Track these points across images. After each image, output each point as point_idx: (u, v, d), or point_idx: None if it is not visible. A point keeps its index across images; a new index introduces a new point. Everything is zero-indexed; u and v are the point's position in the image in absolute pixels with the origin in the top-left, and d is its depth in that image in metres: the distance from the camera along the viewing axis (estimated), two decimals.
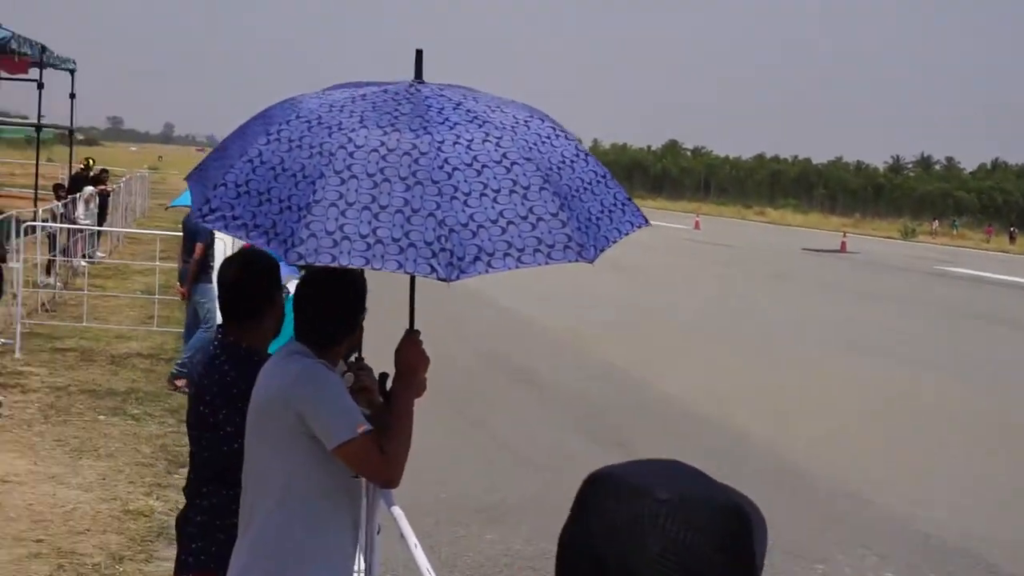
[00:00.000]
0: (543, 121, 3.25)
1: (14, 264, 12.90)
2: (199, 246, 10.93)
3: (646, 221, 3.31)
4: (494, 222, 2.80)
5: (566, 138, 3.23)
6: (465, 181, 2.84)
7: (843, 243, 50.37)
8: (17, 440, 8.94)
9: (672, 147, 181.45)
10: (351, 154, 2.86)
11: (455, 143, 2.93)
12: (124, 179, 32.22)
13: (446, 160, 2.87)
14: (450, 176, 2.83)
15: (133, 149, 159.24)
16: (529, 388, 13.16)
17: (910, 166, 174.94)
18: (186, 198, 4.91)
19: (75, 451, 8.76)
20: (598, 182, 3.18)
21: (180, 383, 10.60)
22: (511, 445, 10.25)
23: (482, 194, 2.83)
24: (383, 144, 2.88)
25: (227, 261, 3.80)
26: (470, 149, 2.92)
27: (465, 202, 2.80)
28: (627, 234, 3.20)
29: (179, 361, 11.25)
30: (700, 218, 68.40)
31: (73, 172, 25.70)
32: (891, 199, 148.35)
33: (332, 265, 2.76)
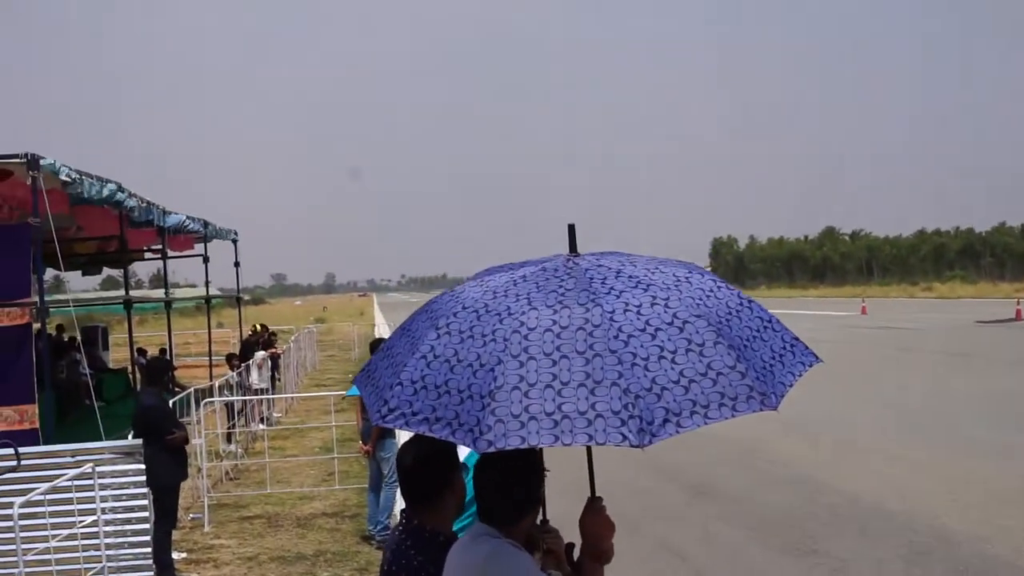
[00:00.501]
0: (703, 276, 3.27)
1: (196, 440, 13.29)
2: None
3: (817, 358, 3.29)
4: (676, 383, 2.81)
5: (727, 289, 3.25)
6: (642, 347, 2.86)
7: (1018, 311, 48.56)
8: None
9: (829, 234, 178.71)
10: (525, 336, 2.90)
11: (625, 311, 2.96)
12: (293, 338, 33.11)
13: (620, 329, 2.90)
14: (626, 344, 2.86)
15: (298, 303, 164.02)
16: (710, 502, 12.90)
17: None
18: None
19: None
20: (765, 328, 3.19)
21: None
22: (700, 566, 9.99)
23: (660, 357, 2.85)
24: (555, 323, 2.92)
25: (404, 446, 3.81)
26: (640, 314, 2.96)
27: (645, 367, 2.82)
28: (801, 375, 3.19)
29: (379, 526, 11.39)
30: (866, 302, 66.88)
31: (244, 338, 26.57)
32: None
33: (522, 447, 2.75)
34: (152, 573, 8.60)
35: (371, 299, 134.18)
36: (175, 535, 10.70)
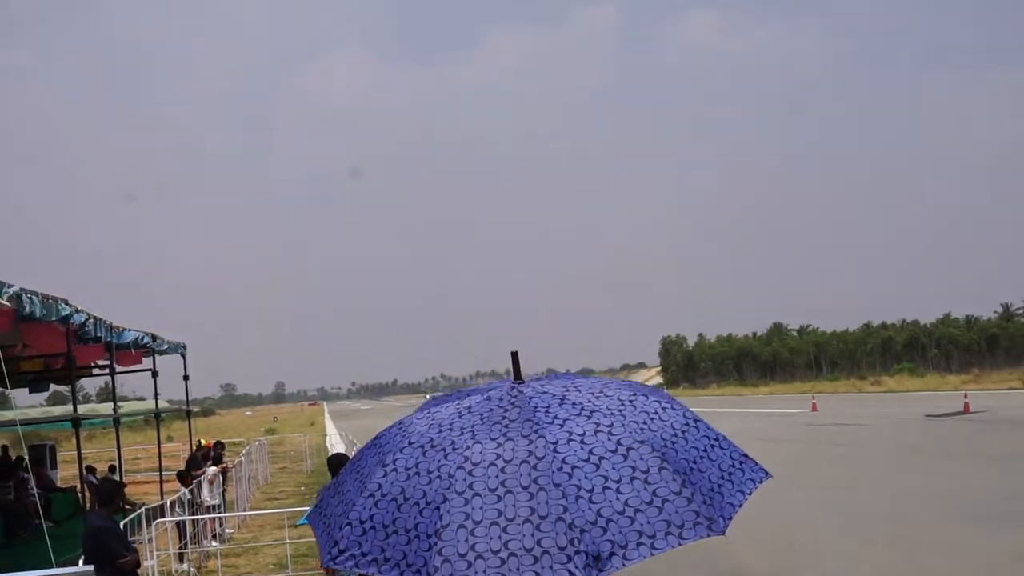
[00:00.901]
0: (647, 397, 3.31)
1: (148, 561, 13.08)
2: None
3: (767, 474, 3.33)
4: (621, 513, 2.82)
5: (672, 408, 3.28)
6: (586, 477, 2.89)
7: (966, 404, 49.02)
8: None
9: (777, 330, 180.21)
10: (470, 472, 2.92)
11: (569, 440, 2.99)
12: (244, 451, 32.75)
13: (564, 460, 2.93)
14: (570, 476, 2.88)
15: (248, 413, 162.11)
16: None
17: (1021, 312, 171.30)
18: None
19: None
20: (712, 446, 3.23)
21: None
22: None
23: (605, 487, 2.87)
24: (499, 456, 2.95)
25: None
26: (584, 443, 2.99)
27: (590, 499, 2.84)
28: (750, 493, 3.21)
29: None
30: (816, 398, 67.23)
31: (188, 455, 26.28)
32: (1007, 348, 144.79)
33: None
34: None
35: (322, 407, 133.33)
36: None
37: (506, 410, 3.16)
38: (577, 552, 2.73)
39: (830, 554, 15.68)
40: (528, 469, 2.89)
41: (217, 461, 24.10)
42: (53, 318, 16.99)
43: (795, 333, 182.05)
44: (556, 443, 2.97)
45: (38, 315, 16.12)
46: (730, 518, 3.02)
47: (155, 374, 27.36)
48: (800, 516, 19.57)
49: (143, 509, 15.04)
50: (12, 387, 25.08)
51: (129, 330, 23.06)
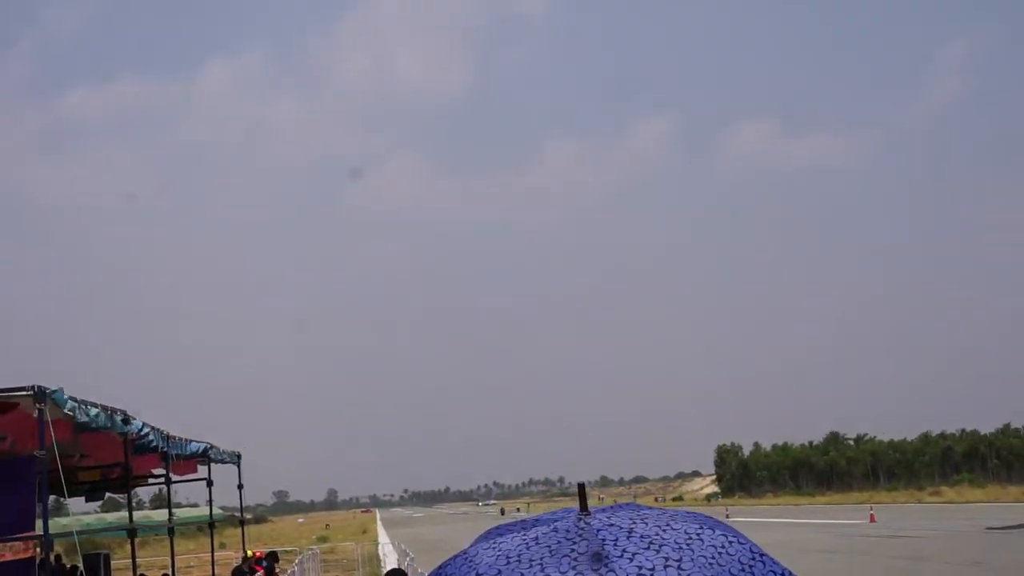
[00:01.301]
0: (714, 530, 3.33)
1: None
2: None
3: None
4: None
5: (739, 543, 3.31)
6: None
7: None
8: None
9: (834, 439, 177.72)
10: None
11: (639, 574, 3.03)
12: (297, 560, 32.71)
13: None
14: None
15: (300, 521, 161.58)
16: None
17: None
18: None
19: None
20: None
21: None
22: None
23: None
24: None
25: None
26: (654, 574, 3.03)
27: None
28: None
29: None
30: (874, 509, 66.09)
31: (235, 566, 26.28)
32: None
33: None
34: None
35: (374, 515, 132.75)
36: None
37: (574, 543, 3.19)
38: None
39: None
40: None
41: (270, 573, 24.10)
42: (112, 429, 17.26)
43: (852, 442, 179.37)
44: None
45: (97, 426, 16.39)
46: None
47: (210, 483, 27.56)
48: None
49: None
50: (69, 495, 25.34)
51: (185, 440, 23.35)
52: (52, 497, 18.26)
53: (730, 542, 3.30)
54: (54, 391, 14.56)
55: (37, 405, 14.13)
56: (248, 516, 34.62)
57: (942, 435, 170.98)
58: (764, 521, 62.13)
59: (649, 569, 3.05)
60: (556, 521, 3.40)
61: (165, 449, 21.63)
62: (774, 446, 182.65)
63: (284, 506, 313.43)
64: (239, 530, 35.33)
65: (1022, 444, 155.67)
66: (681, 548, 3.17)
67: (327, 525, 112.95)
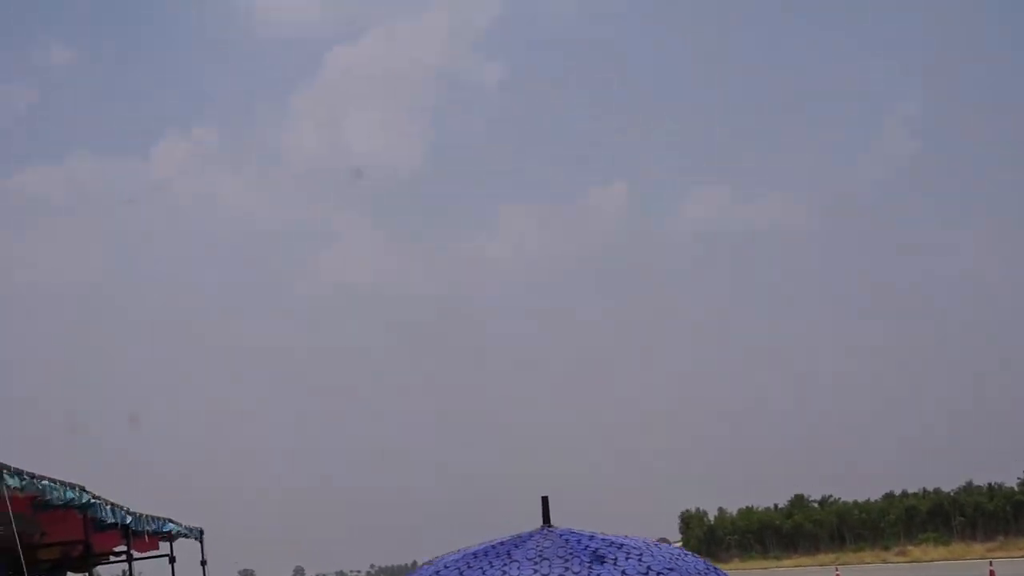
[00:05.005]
0: (669, 547, 3.55)
1: None
2: None
3: None
4: None
5: (694, 557, 3.52)
6: None
7: (991, 571, 48.28)
8: None
9: (799, 501, 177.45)
10: None
11: (603, 562, 3.22)
12: None
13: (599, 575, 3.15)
14: None
15: None
16: None
17: None
18: None
19: None
20: None
21: None
22: None
23: None
24: (536, 571, 3.17)
25: None
26: (616, 565, 3.22)
27: None
28: None
29: None
30: (840, 570, 66.16)
31: None
32: None
33: None
34: None
35: None
36: None
37: (538, 542, 3.36)
38: None
39: None
40: None
41: None
42: (71, 505, 17.20)
43: (816, 504, 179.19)
44: (591, 563, 3.20)
45: (56, 502, 16.33)
46: None
47: (172, 559, 27.28)
48: None
49: None
50: None
51: (147, 516, 23.21)
52: None
53: (686, 556, 3.51)
54: (11, 469, 14.52)
55: None
56: None
57: (905, 494, 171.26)
58: None
59: (612, 558, 3.26)
60: (522, 533, 3.55)
61: (126, 525, 21.49)
62: (739, 510, 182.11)
63: None
64: None
65: (985, 501, 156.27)
66: (641, 549, 3.38)
67: None
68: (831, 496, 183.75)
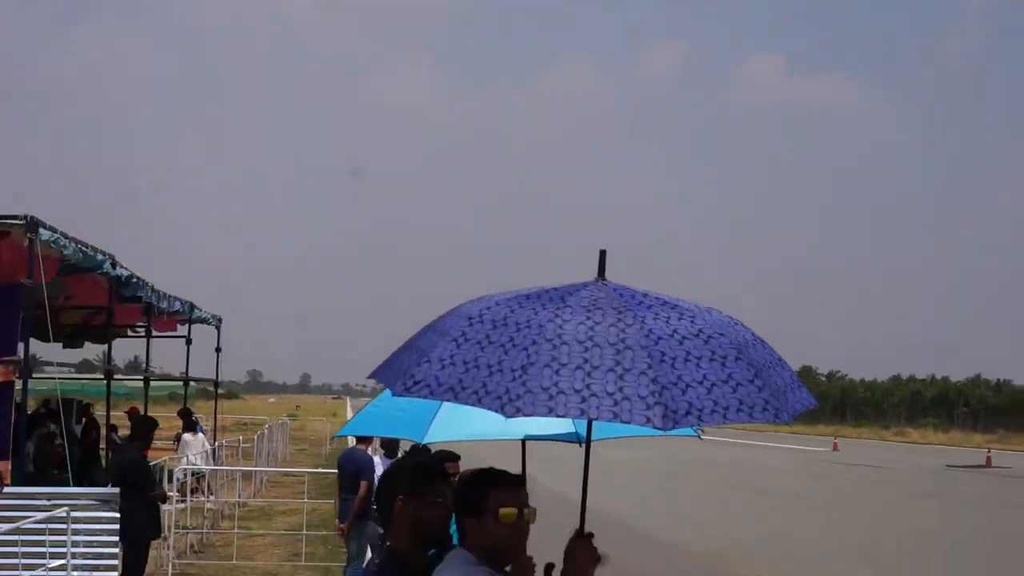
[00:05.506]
0: (720, 312, 3.49)
1: (166, 507, 13.29)
2: (364, 484, 11.25)
3: (816, 402, 3.51)
4: (700, 383, 3.01)
5: (743, 327, 3.47)
6: (670, 348, 3.07)
7: (988, 458, 48.83)
8: None
9: (806, 372, 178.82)
10: (560, 326, 3.07)
11: (655, 318, 3.17)
12: (266, 427, 33.10)
13: (650, 331, 3.11)
14: (656, 343, 3.06)
15: (271, 400, 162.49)
16: None
17: None
18: (351, 428, 5.23)
19: None
20: (777, 364, 3.40)
21: None
22: None
23: (686, 360, 3.05)
24: (589, 318, 3.11)
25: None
26: (668, 323, 3.17)
27: (672, 365, 3.02)
28: (806, 408, 3.38)
29: None
30: (839, 443, 66.97)
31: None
32: None
33: (549, 416, 2.91)
34: None
35: (344, 402, 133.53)
36: None
37: (592, 292, 3.28)
38: (658, 403, 2.89)
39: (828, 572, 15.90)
40: (616, 331, 3.05)
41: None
42: (97, 270, 17.33)
43: (824, 378, 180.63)
44: (644, 318, 3.15)
45: (85, 266, 16.46)
46: (795, 415, 3.20)
47: (189, 341, 27.65)
48: (812, 544, 19.67)
49: (165, 464, 15.37)
50: (54, 340, 25.40)
51: (169, 296, 23.43)
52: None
53: (735, 324, 3.44)
54: (46, 224, 14.59)
55: (28, 235, 14.15)
56: (221, 391, 34.73)
57: (912, 378, 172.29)
58: (730, 441, 62.85)
59: (664, 317, 3.19)
60: (574, 283, 3.48)
61: (148, 300, 21.71)
62: None
63: (257, 385, 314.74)
64: (209, 403, 35.53)
65: (991, 395, 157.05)
66: (693, 312, 3.30)
67: (297, 406, 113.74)
68: (839, 372, 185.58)
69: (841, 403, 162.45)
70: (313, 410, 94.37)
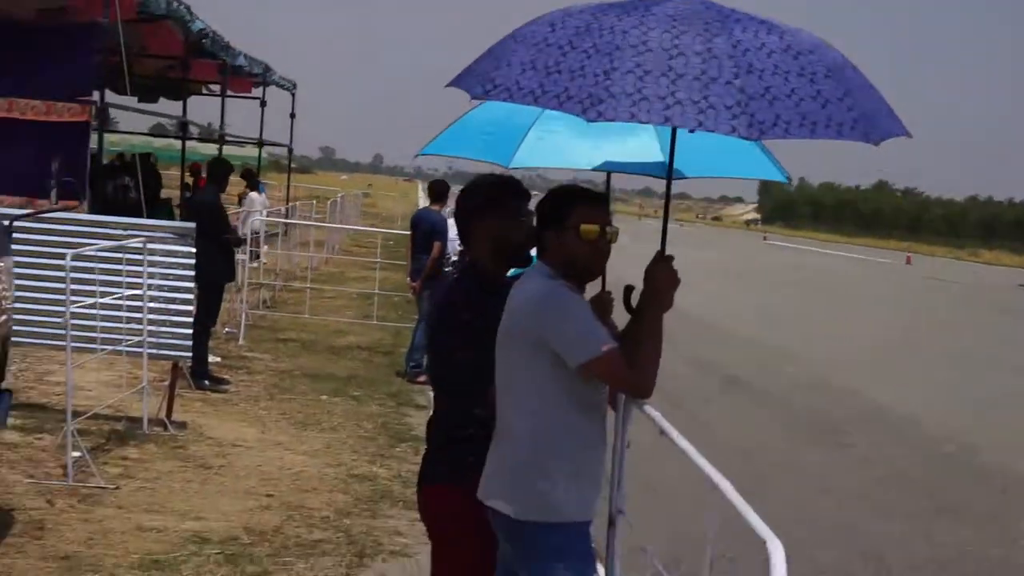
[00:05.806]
0: (812, 33, 3.25)
1: (241, 255, 13.27)
2: (437, 245, 11.09)
3: (908, 133, 3.27)
4: (788, 96, 2.85)
5: (835, 49, 3.25)
6: (758, 60, 2.90)
7: None
8: (245, 413, 9.25)
9: (882, 187, 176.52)
10: (645, 33, 2.92)
11: (743, 31, 3.00)
12: (340, 194, 33.19)
13: (738, 41, 2.94)
14: (744, 54, 2.90)
15: (344, 177, 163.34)
16: (741, 392, 12.96)
17: None
18: (436, 146, 4.97)
19: (300, 424, 9.02)
20: (869, 87, 3.20)
21: (421, 379, 10.63)
22: (729, 440, 9.92)
23: (774, 72, 2.89)
24: (674, 27, 2.94)
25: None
26: (757, 36, 2.99)
27: (760, 76, 2.86)
28: (899, 135, 3.19)
29: (412, 363, 11.34)
30: (912, 257, 66.36)
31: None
32: None
33: (632, 122, 2.80)
34: (189, 357, 8.66)
35: (416, 184, 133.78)
36: (209, 344, 10.60)
37: (677, 3, 3.11)
38: (743, 112, 2.77)
39: (914, 373, 16.03)
40: (703, 41, 2.90)
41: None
42: (174, 17, 17.02)
43: (900, 193, 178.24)
44: (732, 30, 2.98)
45: (161, 12, 16.13)
46: (883, 137, 3.03)
47: (263, 103, 27.45)
48: (889, 341, 19.65)
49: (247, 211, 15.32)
50: (130, 92, 25.16)
51: (246, 55, 23.12)
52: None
53: (828, 46, 3.19)
54: None
55: None
56: (293, 165, 34.66)
57: (990, 200, 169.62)
58: (801, 248, 62.57)
59: (754, 30, 3.01)
60: None
61: (224, 59, 21.42)
62: (821, 184, 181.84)
63: (329, 162, 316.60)
64: (283, 176, 35.54)
65: None
66: (785, 29, 3.11)
67: (370, 184, 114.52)
68: (915, 188, 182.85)
69: (915, 220, 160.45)
70: (385, 190, 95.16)
